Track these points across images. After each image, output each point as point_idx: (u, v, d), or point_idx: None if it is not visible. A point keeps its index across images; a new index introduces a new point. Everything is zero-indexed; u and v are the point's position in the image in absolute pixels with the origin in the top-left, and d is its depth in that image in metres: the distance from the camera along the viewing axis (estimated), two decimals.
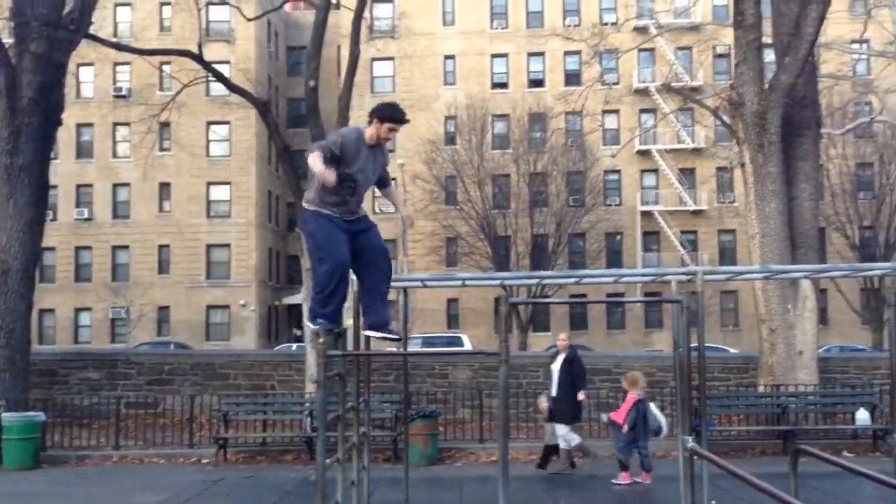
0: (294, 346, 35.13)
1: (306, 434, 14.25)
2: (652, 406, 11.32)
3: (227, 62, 42.25)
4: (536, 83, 46.13)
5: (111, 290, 44.77)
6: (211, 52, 22.12)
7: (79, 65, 39.33)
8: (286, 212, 50.56)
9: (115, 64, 44.97)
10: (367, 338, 7.66)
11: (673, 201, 45.13)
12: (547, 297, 34.11)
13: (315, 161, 5.45)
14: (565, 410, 11.63)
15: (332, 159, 5.52)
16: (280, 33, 51.83)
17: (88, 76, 45.11)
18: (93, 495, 11.57)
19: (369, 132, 5.73)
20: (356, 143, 5.68)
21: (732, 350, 30.62)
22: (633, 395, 11.15)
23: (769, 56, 16.66)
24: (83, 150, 46.71)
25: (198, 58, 18.37)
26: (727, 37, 27.14)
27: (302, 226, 5.91)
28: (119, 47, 20.76)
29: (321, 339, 5.95)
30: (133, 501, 10.94)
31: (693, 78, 42.82)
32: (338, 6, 30.22)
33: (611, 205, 44.90)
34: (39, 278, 18.59)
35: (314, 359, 16.02)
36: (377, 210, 46.34)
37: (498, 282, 9.34)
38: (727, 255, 44.43)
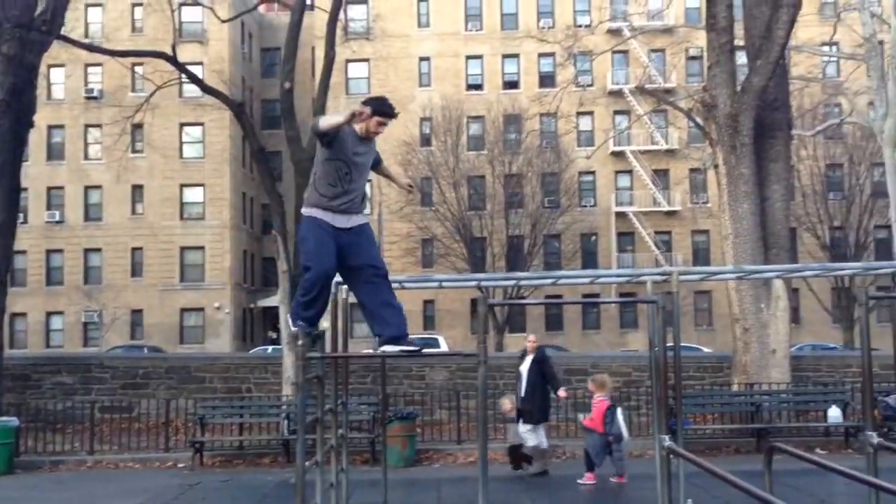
0: (269, 348, 34.96)
1: (283, 437, 14.22)
2: (619, 411, 11.34)
3: (201, 63, 42.01)
4: (511, 85, 46.29)
5: (83, 293, 44.30)
6: (184, 53, 21.95)
7: (50, 66, 39.01)
8: (261, 214, 50.31)
9: (87, 65, 44.53)
10: (345, 340, 7.68)
11: (647, 202, 45.46)
12: (523, 298, 34.22)
13: (330, 116, 5.56)
14: (534, 411, 11.68)
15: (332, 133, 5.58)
16: (254, 34, 51.59)
17: (59, 77, 44.70)
18: (68, 500, 11.46)
19: (359, 126, 5.75)
20: (348, 132, 5.71)
21: (706, 349, 30.88)
22: (603, 400, 11.19)
23: (741, 59, 16.85)
24: (54, 152, 46.20)
25: (172, 59, 18.25)
26: (700, 39, 27.43)
27: (298, 232, 6.00)
28: (92, 48, 20.57)
29: (300, 342, 5.95)
30: None
31: (666, 80, 43.17)
32: (312, 8, 30.12)
33: (586, 206, 45.14)
34: (10, 282, 18.32)
35: (291, 361, 16.01)
36: None
37: (475, 283, 9.36)
38: (701, 255, 44.83)
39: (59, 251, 45.63)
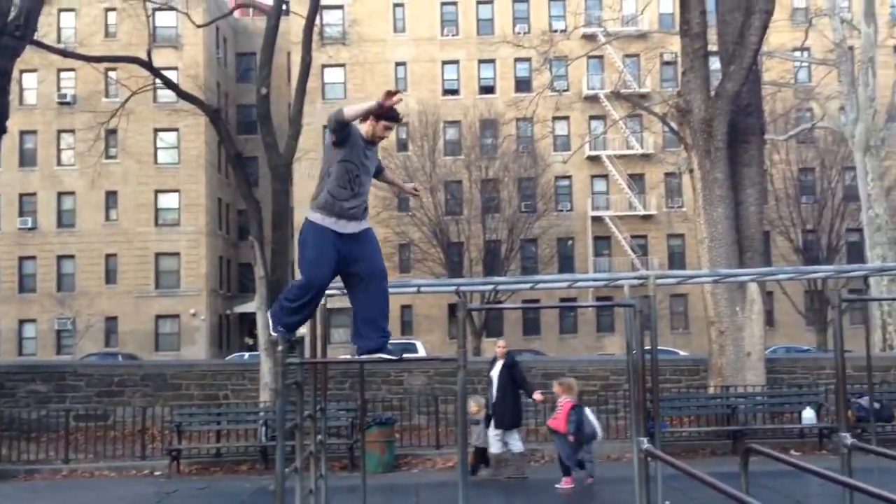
0: (246, 355, 34.77)
1: (261, 443, 14.15)
2: (587, 411, 11.36)
3: (175, 68, 41.76)
4: (487, 90, 46.43)
5: (56, 300, 43.83)
6: (158, 58, 21.79)
7: (22, 71, 38.57)
8: (237, 219, 50.06)
9: (60, 70, 44.15)
10: (324, 345, 7.67)
11: (623, 206, 45.74)
12: (501, 302, 34.29)
13: (352, 107, 5.45)
14: (506, 416, 11.68)
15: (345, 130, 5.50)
16: (229, 39, 51.37)
17: (32, 83, 44.24)
18: None
19: (365, 129, 5.68)
20: (358, 134, 5.65)
21: (683, 353, 31.13)
22: (568, 401, 11.23)
23: (715, 64, 17.01)
24: (26, 158, 45.70)
25: (147, 64, 18.13)
26: (674, 45, 27.72)
27: (301, 234, 5.74)
28: (65, 54, 20.38)
29: (279, 348, 5.94)
30: None
31: (641, 85, 43.47)
32: (288, 13, 30.11)
33: (562, 210, 45.33)
34: None
35: (268, 367, 15.94)
36: None
37: (453, 288, 9.36)
38: (676, 259, 45.16)
39: (32, 258, 45.12)
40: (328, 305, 7.40)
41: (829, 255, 37.88)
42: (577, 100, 45.07)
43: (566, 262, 44.71)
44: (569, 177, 45.45)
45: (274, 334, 5.81)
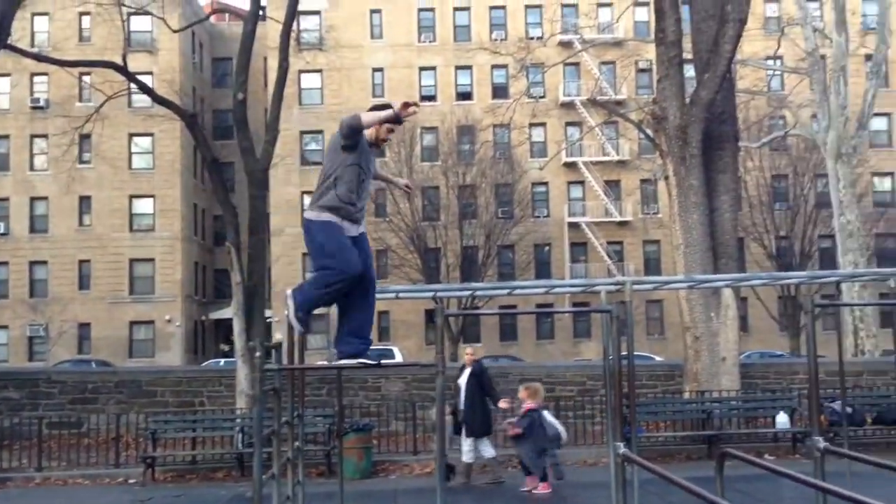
0: (222, 361, 34.57)
1: (237, 450, 14.07)
2: (546, 414, 11.30)
3: (150, 73, 41.47)
4: (464, 96, 46.55)
5: (29, 306, 43.30)
6: (133, 63, 21.66)
7: None
8: (212, 225, 49.75)
9: (33, 74, 43.70)
10: (301, 351, 7.65)
11: (599, 213, 45.98)
12: (478, 308, 34.33)
13: (368, 115, 5.44)
14: (475, 423, 11.67)
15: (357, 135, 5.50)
16: (205, 44, 51.10)
17: (5, 87, 43.80)
18: None
19: (369, 132, 5.70)
20: (365, 139, 5.67)
21: (658, 358, 31.30)
22: (527, 405, 11.25)
23: (690, 72, 17.18)
24: None
25: (122, 69, 18.01)
26: (649, 52, 27.92)
27: (306, 235, 5.72)
28: (39, 58, 20.22)
29: (257, 354, 5.92)
30: None
31: (617, 92, 43.77)
32: (264, 18, 29.99)
33: (539, 216, 45.50)
34: None
35: (245, 374, 15.86)
36: None
37: (431, 294, 9.39)
38: (652, 265, 45.44)
39: (4, 264, 44.56)
40: None
41: (801, 261, 38.30)
42: (554, 106, 45.29)
43: (543, 268, 44.86)
44: (545, 183, 45.64)
45: (295, 320, 5.71)
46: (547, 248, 45.82)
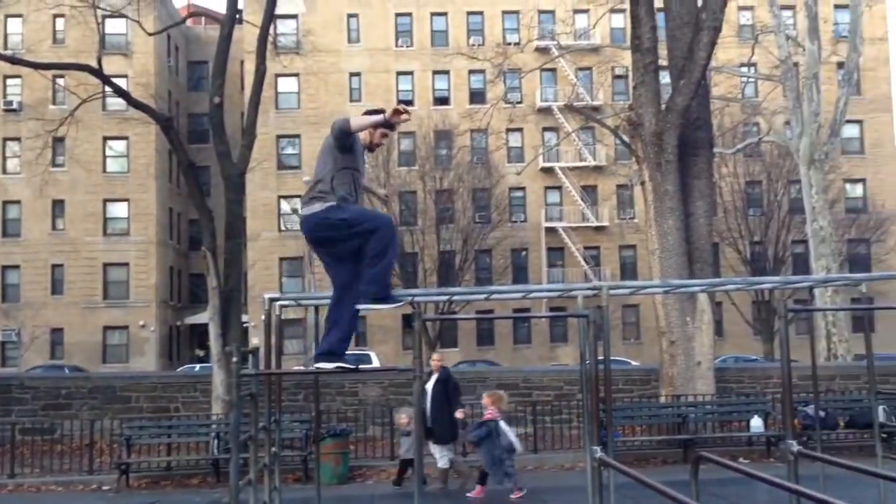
0: (197, 366, 34.32)
1: (213, 456, 13.97)
2: (503, 424, 11.20)
3: (125, 76, 41.19)
4: (442, 101, 46.60)
5: (1, 311, 42.75)
6: (108, 66, 21.51)
7: None
8: (188, 229, 49.41)
9: (6, 76, 43.27)
10: (278, 356, 7.62)
11: (576, 218, 46.18)
12: (455, 313, 34.34)
13: (360, 117, 5.48)
14: (441, 430, 11.65)
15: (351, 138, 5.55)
16: (181, 47, 50.79)
17: None
18: None
19: (363, 136, 5.72)
20: (359, 142, 5.71)
21: (635, 363, 31.47)
22: (488, 412, 11.23)
23: (665, 78, 17.30)
24: None
25: (97, 72, 17.86)
26: (625, 59, 28.09)
27: (322, 226, 5.60)
28: (13, 60, 19.98)
29: (234, 359, 5.90)
30: None
31: (594, 98, 44.03)
32: (241, 22, 29.88)
33: (516, 221, 45.62)
34: None
35: (220, 379, 15.77)
36: (283, 227, 45.89)
37: (409, 298, 9.38)
38: (628, 269, 45.70)
39: None
40: (282, 316, 7.37)
41: (775, 266, 38.68)
42: (531, 112, 45.46)
43: (520, 273, 44.97)
44: (523, 188, 45.78)
45: (390, 303, 5.73)
46: (524, 252, 45.95)
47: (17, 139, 42.92)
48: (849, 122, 36.71)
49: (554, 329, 44.54)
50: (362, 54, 46.78)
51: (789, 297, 31.45)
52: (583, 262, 45.12)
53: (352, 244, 5.61)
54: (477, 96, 44.46)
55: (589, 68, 44.18)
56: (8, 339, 42.95)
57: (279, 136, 46.03)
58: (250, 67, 21.91)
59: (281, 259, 45.21)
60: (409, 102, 45.86)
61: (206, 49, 45.87)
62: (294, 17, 45.63)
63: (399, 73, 46.89)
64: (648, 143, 15.82)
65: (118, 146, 45.22)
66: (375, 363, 30.06)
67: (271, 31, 19.37)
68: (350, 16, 46.97)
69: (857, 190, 46.37)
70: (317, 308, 8.33)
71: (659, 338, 16.31)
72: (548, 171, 45.98)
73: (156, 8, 41.17)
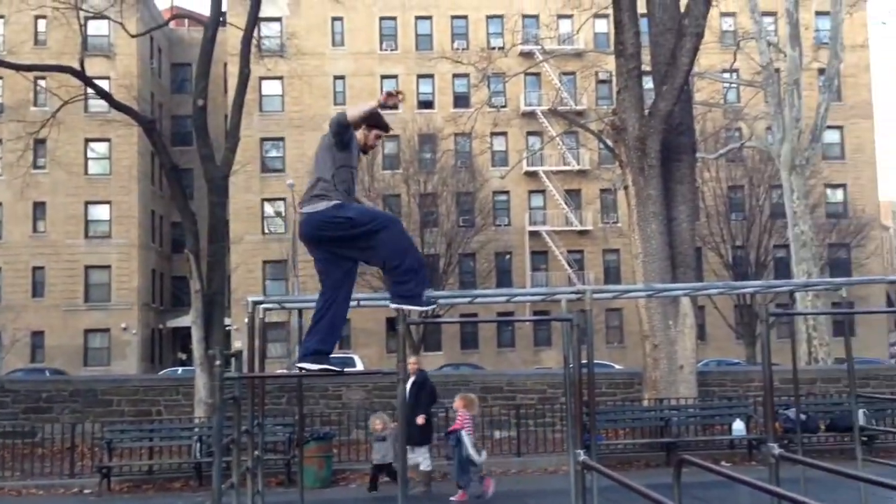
0: (180, 370, 34.14)
1: (195, 460, 13.90)
2: (464, 435, 11.14)
3: (108, 78, 40.92)
4: (426, 104, 46.61)
5: None
6: (90, 68, 21.38)
7: None
8: (171, 232, 49.16)
9: None
10: (262, 360, 7.60)
11: (560, 222, 46.31)
12: (439, 316, 34.33)
13: (353, 109, 5.52)
14: (416, 433, 11.64)
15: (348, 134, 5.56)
16: (163, 49, 50.57)
17: None
18: None
19: (358, 136, 5.75)
20: (356, 140, 5.74)
21: (618, 366, 31.59)
22: (460, 416, 11.26)
23: (648, 83, 17.40)
24: None
25: (79, 74, 17.75)
26: (609, 64, 28.22)
27: (328, 225, 5.52)
28: None
29: (217, 362, 5.88)
30: None
31: (577, 102, 44.19)
32: (224, 24, 29.77)
33: (500, 225, 45.69)
34: None
35: (203, 382, 15.68)
36: (267, 230, 45.76)
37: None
38: (612, 273, 45.86)
39: None
40: (266, 319, 7.36)
41: (757, 270, 38.95)
42: (515, 116, 45.56)
43: (504, 277, 45.04)
44: (507, 192, 45.86)
45: (426, 305, 5.67)
46: (508, 256, 46.03)
47: None
48: (829, 127, 37.01)
49: (538, 333, 44.62)
50: (346, 58, 46.75)
51: (771, 302, 31.69)
52: (566, 266, 45.24)
53: (354, 243, 5.60)
54: (461, 100, 44.51)
55: (573, 73, 44.35)
56: None
57: (263, 139, 45.91)
58: (234, 70, 21.82)
59: (264, 262, 45.06)
60: (393, 106, 45.86)
61: (190, 51, 45.69)
62: (278, 20, 45.55)
63: (383, 77, 46.89)
64: (632, 147, 15.90)
65: (100, 148, 44.94)
66: (359, 366, 30.00)
67: (255, 33, 19.32)
68: (334, 19, 46.93)
69: (838, 195, 46.77)
70: (300, 311, 8.31)
71: (642, 341, 16.38)
72: (532, 174, 46.09)
73: (139, 10, 40.90)
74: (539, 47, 40.07)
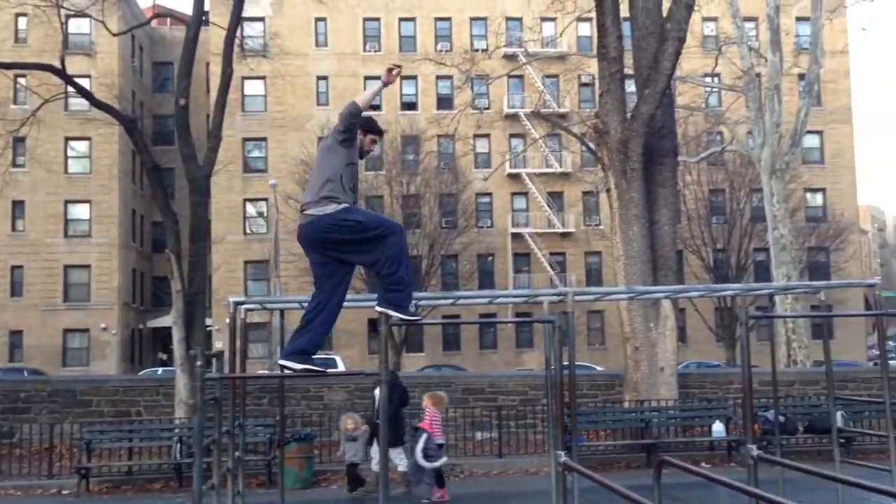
0: (160, 370, 33.95)
1: (175, 461, 13.83)
2: (421, 440, 11.08)
3: (88, 76, 40.67)
4: (409, 106, 46.60)
5: None
6: (71, 66, 21.23)
7: None
8: (151, 231, 48.87)
9: None
10: (243, 360, 7.57)
11: (542, 224, 46.42)
12: (421, 317, 34.33)
13: (361, 95, 5.64)
14: (387, 434, 11.60)
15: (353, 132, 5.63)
16: (145, 48, 50.26)
17: None
18: None
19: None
20: (357, 138, 5.79)
21: (599, 368, 31.69)
22: (429, 413, 11.28)
23: (631, 87, 17.48)
24: None
25: (60, 72, 17.63)
26: (592, 67, 28.36)
27: (344, 223, 5.54)
28: None
29: (198, 363, 5.86)
30: None
31: (560, 105, 44.31)
32: (207, 23, 29.68)
33: (482, 227, 45.74)
34: None
35: (184, 383, 15.61)
36: (249, 230, 45.58)
37: (374, 303, 9.37)
38: (593, 276, 46.01)
39: None
40: (247, 320, 7.33)
41: (738, 273, 39.20)
42: (498, 118, 45.65)
43: (486, 278, 45.09)
44: (489, 194, 45.93)
45: (411, 315, 5.76)
46: (490, 258, 46.09)
47: None
48: (809, 132, 37.32)
49: (520, 334, 44.70)
50: (330, 58, 46.66)
51: (751, 304, 31.89)
52: (549, 268, 45.35)
53: (358, 247, 5.62)
54: (444, 102, 44.55)
55: (556, 76, 44.49)
56: None
57: (245, 139, 45.74)
58: (216, 69, 21.73)
59: (246, 262, 44.89)
60: (377, 107, 45.86)
61: (172, 50, 45.42)
62: (261, 19, 45.39)
63: (366, 78, 46.77)
64: (614, 150, 15.98)
65: (80, 147, 44.61)
66: (341, 367, 29.96)
67: (238, 33, 19.26)
68: (318, 19, 46.82)
69: (817, 199, 47.17)
70: (282, 312, 8.30)
71: (623, 343, 16.46)
72: (514, 177, 46.19)
73: (120, 8, 40.68)
74: (522, 50, 40.23)
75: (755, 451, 6.82)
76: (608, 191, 16.48)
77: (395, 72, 5.64)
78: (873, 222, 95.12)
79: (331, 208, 5.57)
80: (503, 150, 44.43)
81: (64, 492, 13.37)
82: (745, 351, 7.39)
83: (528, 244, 45.76)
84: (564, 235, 46.39)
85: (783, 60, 25.43)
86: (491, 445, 15.20)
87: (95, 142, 43.89)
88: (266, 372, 9.81)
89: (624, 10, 16.75)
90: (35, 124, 19.82)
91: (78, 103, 36.49)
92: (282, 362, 5.72)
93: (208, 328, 26.59)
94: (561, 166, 46.51)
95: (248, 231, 45.53)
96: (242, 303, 7.05)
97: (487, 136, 45.41)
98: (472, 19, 47.14)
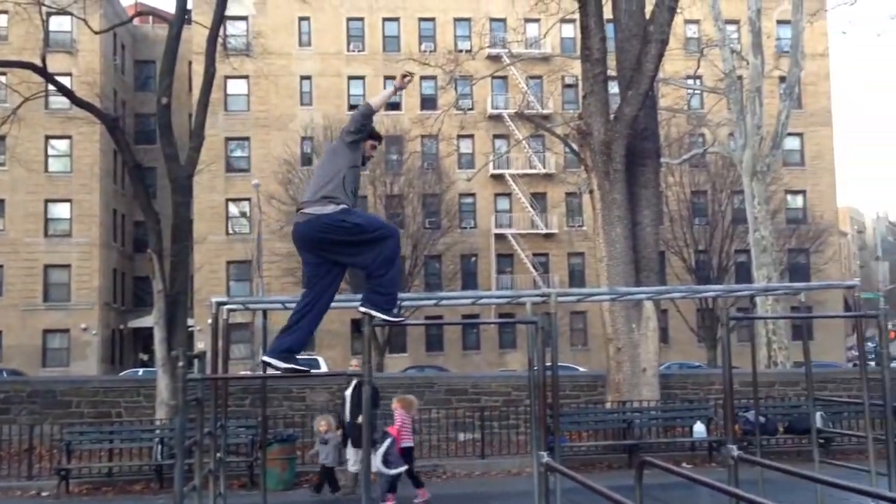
0: (141, 371, 33.74)
1: (156, 462, 13.75)
2: (384, 445, 10.92)
3: (69, 74, 40.33)
4: (393, 106, 46.46)
5: None
6: (52, 64, 21.04)
7: None
8: (133, 231, 48.56)
9: None
10: (225, 361, 7.54)
11: (525, 224, 46.51)
12: (404, 319, 34.32)
13: (374, 98, 5.95)
14: (357, 434, 11.59)
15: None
16: (127, 46, 49.93)
17: None
18: None
19: None
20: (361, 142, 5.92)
21: (582, 369, 31.78)
22: (398, 415, 11.27)
23: (614, 88, 17.55)
24: None
25: (41, 70, 17.48)
26: (575, 68, 28.44)
27: (334, 228, 5.55)
28: None
29: (180, 364, 5.84)
30: None
31: (544, 106, 44.41)
32: (190, 22, 29.49)
33: (466, 227, 45.77)
34: None
35: (165, 384, 15.52)
36: (231, 231, 45.39)
37: (358, 303, 9.37)
38: (576, 277, 46.15)
39: None
40: (229, 320, 7.31)
41: (719, 274, 39.44)
42: (482, 119, 45.68)
43: (470, 279, 45.12)
44: (473, 194, 45.97)
45: (394, 318, 5.83)
46: (473, 258, 46.12)
47: None
48: (790, 134, 37.63)
49: (503, 335, 44.76)
50: (313, 58, 46.55)
51: (732, 306, 32.06)
52: (532, 269, 45.44)
53: (354, 248, 5.63)
54: (428, 102, 44.49)
55: (539, 77, 44.60)
56: None
57: (228, 139, 45.54)
58: (199, 68, 21.64)
59: (228, 262, 44.70)
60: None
61: (154, 48, 45.20)
62: (244, 18, 45.22)
63: (350, 78, 46.75)
64: (597, 152, 16.03)
65: (61, 145, 44.25)
66: (324, 368, 29.87)
67: (221, 32, 19.17)
68: (301, 19, 46.70)
69: (798, 201, 47.55)
70: (265, 312, 8.29)
71: (606, 344, 16.51)
72: (498, 177, 46.25)
73: (102, 6, 40.36)
74: (506, 51, 40.23)
75: (736, 452, 6.87)
76: (591, 192, 16.53)
77: (407, 79, 5.80)
78: (853, 224, 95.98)
79: (330, 208, 5.58)
80: (487, 150, 44.48)
81: (43, 493, 13.27)
82: (726, 352, 7.44)
83: (512, 245, 45.84)
84: (547, 236, 46.50)
85: (764, 63, 25.62)
86: (473, 446, 15.22)
87: (76, 140, 43.56)
88: (248, 373, 9.76)
89: (607, 12, 16.82)
90: (15, 122, 19.65)
91: (59, 101, 36.20)
92: (266, 359, 5.72)
93: (190, 329, 26.44)
94: (544, 167, 46.62)
95: (230, 231, 45.35)
96: (225, 303, 7.03)
97: (471, 136, 45.45)
98: (456, 20, 47.17)
